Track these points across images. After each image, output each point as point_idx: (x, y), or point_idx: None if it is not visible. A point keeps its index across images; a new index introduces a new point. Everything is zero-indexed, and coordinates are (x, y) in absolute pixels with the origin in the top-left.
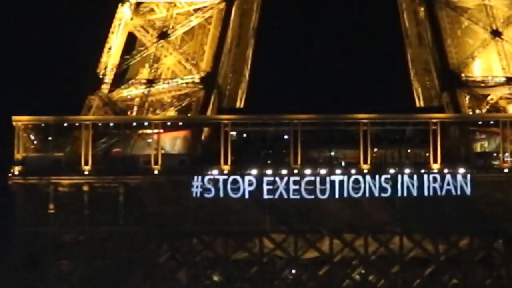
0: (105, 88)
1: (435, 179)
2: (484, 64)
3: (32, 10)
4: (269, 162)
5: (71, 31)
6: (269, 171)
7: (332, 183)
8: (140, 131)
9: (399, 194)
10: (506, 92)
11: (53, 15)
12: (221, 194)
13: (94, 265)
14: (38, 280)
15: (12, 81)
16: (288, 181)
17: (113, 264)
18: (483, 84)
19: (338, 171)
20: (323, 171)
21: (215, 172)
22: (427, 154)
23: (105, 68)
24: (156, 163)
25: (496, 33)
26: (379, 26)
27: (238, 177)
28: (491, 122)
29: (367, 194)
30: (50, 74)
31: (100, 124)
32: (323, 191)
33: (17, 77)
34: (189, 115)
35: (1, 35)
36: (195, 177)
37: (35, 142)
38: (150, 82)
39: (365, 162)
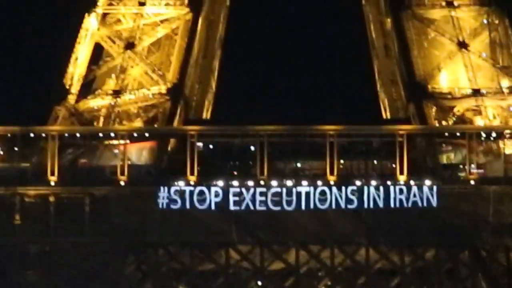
0: (71, 98)
1: (401, 191)
2: (451, 75)
3: None
4: (235, 173)
5: (38, 40)
6: (235, 183)
7: (299, 194)
8: (107, 142)
9: (366, 205)
10: (472, 104)
11: (19, 24)
12: (188, 205)
13: (60, 276)
14: None
15: None
16: (254, 192)
17: (79, 275)
18: (449, 96)
19: (304, 182)
20: (289, 183)
21: (181, 183)
22: (394, 166)
23: (72, 78)
24: (122, 174)
25: (462, 45)
26: (346, 37)
27: (204, 188)
28: (458, 134)
29: (333, 206)
30: (15, 84)
31: (66, 134)
32: (289, 203)
33: None
34: (155, 126)
35: None
36: (161, 188)
37: (1, 152)
38: (117, 93)
39: (332, 173)
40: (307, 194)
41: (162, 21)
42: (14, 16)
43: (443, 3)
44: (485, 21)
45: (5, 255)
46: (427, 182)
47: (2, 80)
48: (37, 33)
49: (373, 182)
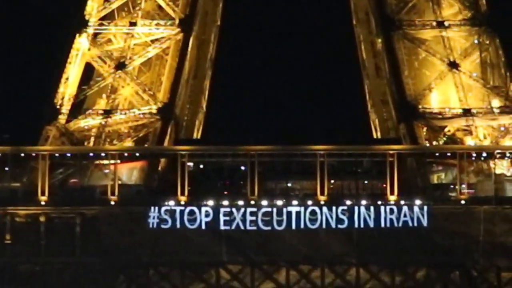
0: (62, 118)
1: (392, 211)
2: (441, 95)
3: None
4: (226, 193)
5: (29, 60)
6: (225, 202)
7: (289, 214)
8: (97, 162)
9: (356, 225)
10: (463, 124)
11: (11, 43)
12: (178, 225)
13: None
14: None
15: None
16: (245, 212)
17: None
18: (440, 116)
19: (295, 202)
20: (279, 202)
21: (171, 203)
22: (384, 186)
23: (63, 98)
24: (113, 193)
25: (453, 65)
26: (336, 57)
27: (194, 208)
28: (448, 154)
29: (324, 225)
30: (6, 104)
31: (57, 154)
32: (280, 222)
33: None
34: (146, 145)
35: None
36: (152, 208)
37: None
38: (107, 113)
39: (322, 193)
40: (298, 214)
41: (153, 41)
42: (3, 35)
43: (434, 23)
44: (476, 41)
45: None
46: (418, 202)
47: None
48: (27, 53)
49: (364, 202)
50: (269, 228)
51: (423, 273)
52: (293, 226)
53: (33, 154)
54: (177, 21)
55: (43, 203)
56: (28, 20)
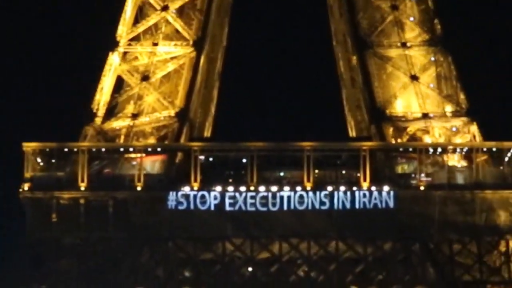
0: (98, 120)
1: (364, 195)
2: (404, 102)
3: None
4: (230, 180)
5: (74, 74)
6: (230, 188)
7: (281, 198)
8: (126, 155)
9: (335, 207)
10: (422, 125)
11: (57, 60)
12: (192, 207)
13: (88, 263)
14: (42, 277)
15: (23, 113)
16: (246, 196)
17: (104, 263)
18: (403, 119)
19: (286, 188)
20: (274, 188)
21: (186, 188)
22: (358, 175)
23: (98, 104)
24: (139, 181)
25: (414, 78)
26: (320, 71)
27: (205, 193)
28: (410, 149)
29: (309, 207)
30: (53, 109)
31: (93, 149)
32: (274, 204)
33: (28, 112)
34: (165, 142)
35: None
36: (170, 193)
37: (41, 163)
38: (135, 116)
39: (308, 181)
40: (288, 197)
41: (171, 58)
42: (51, 55)
43: (399, 44)
44: (432, 59)
45: (43, 247)
46: (385, 188)
47: (43, 106)
48: (71, 68)
49: (342, 188)
50: (265, 209)
51: (389, 245)
52: (285, 208)
53: (75, 149)
54: (191, 42)
55: (82, 188)
56: (72, 41)
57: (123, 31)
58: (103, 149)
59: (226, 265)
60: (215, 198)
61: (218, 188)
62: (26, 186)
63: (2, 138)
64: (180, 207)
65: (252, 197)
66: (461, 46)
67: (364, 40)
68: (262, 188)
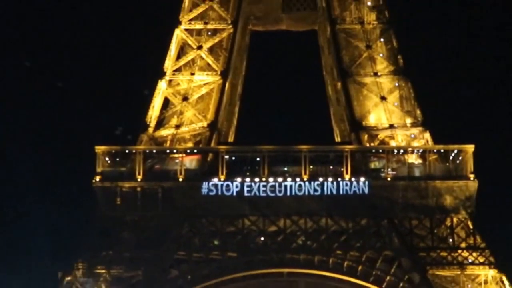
0: (150, 129)
1: (347, 184)
2: (376, 116)
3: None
4: (248, 174)
5: (135, 96)
6: (248, 179)
7: (285, 186)
8: (171, 155)
9: (325, 193)
10: (389, 133)
11: (121, 87)
12: (219, 193)
13: (144, 235)
14: (109, 245)
15: (96, 124)
16: (259, 185)
17: (155, 234)
18: (375, 128)
19: (289, 179)
20: (280, 179)
21: (215, 179)
22: (342, 170)
23: (151, 118)
24: (180, 174)
25: (383, 98)
26: (314, 94)
27: (229, 182)
28: (380, 151)
29: (306, 193)
30: (118, 122)
31: (147, 151)
32: (280, 191)
33: (101, 123)
34: (200, 146)
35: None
36: (204, 183)
37: (108, 161)
38: (177, 126)
39: (305, 174)
40: (291, 186)
41: (204, 84)
42: (118, 82)
43: (372, 73)
44: (396, 84)
45: (110, 222)
46: (362, 179)
47: (112, 119)
48: (133, 92)
49: (330, 179)
50: (273, 194)
51: (365, 221)
52: (288, 194)
53: (133, 151)
54: (219, 72)
55: (139, 179)
56: (134, 70)
57: (169, 64)
58: (154, 151)
59: (245, 235)
60: (237, 186)
61: (239, 179)
62: (97, 178)
63: (80, 142)
64: (211, 193)
65: (264, 186)
66: (417, 75)
67: (346, 71)
68: (271, 179)
